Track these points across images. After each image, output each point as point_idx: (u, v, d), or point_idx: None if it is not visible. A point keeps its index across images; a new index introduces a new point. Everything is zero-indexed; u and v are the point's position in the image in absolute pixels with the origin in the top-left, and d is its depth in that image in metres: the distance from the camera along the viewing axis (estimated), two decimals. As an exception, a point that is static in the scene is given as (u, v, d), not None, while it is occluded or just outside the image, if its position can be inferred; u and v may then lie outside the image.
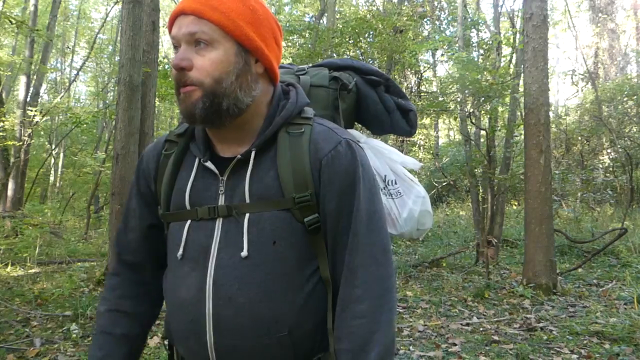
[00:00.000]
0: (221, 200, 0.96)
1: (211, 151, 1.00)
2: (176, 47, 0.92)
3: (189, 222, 0.97)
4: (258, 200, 0.93)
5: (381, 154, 1.30)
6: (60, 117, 14.05)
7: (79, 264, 7.00)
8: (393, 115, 1.28)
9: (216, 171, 0.97)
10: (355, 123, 1.32)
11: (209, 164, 0.97)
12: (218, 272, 0.92)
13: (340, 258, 0.95)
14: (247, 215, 0.93)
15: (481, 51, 11.52)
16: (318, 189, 0.94)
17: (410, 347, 3.65)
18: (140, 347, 1.11)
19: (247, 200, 0.93)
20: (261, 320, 0.91)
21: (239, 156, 0.95)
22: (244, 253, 0.91)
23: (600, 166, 12.42)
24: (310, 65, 1.26)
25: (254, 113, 0.97)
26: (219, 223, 0.95)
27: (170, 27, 0.94)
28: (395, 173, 1.32)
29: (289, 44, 10.59)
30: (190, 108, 0.91)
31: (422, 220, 1.31)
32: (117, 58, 12.31)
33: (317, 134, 0.96)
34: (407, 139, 12.98)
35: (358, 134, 1.25)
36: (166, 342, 1.10)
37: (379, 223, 0.97)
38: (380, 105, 1.27)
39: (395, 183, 1.30)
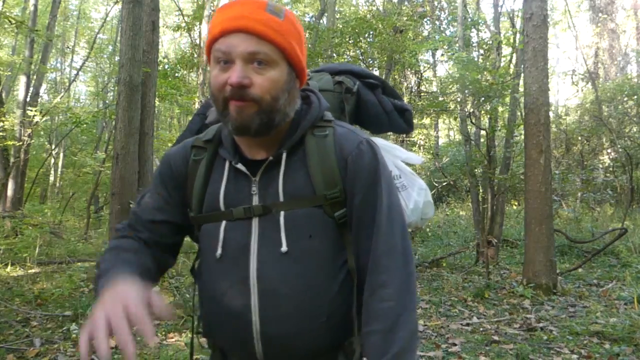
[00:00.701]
0: (255, 200, 1.02)
1: (240, 155, 1.06)
2: (225, 61, 0.95)
3: (224, 222, 1.03)
4: (291, 198, 1.01)
5: (386, 151, 1.35)
6: (60, 117, 14.05)
7: (79, 264, 7.00)
8: (391, 115, 1.37)
9: (248, 173, 1.03)
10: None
11: (240, 166, 1.03)
12: (260, 267, 0.99)
13: (364, 248, 1.02)
14: (283, 213, 1.00)
15: (481, 51, 11.52)
16: (345, 185, 1.02)
17: (410, 347, 3.65)
18: (153, 274, 1.10)
19: (281, 199, 1.01)
20: (303, 309, 0.99)
21: (270, 158, 1.02)
22: (284, 248, 0.98)
23: (600, 166, 12.42)
24: (311, 70, 1.33)
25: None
26: (255, 222, 1.02)
27: (216, 39, 0.96)
28: (399, 168, 1.40)
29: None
30: (246, 122, 0.96)
31: (425, 210, 1.41)
32: (117, 58, 12.32)
33: (340, 135, 1.05)
34: (407, 138, 12.98)
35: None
36: (202, 340, 1.17)
37: (398, 214, 1.05)
38: (379, 106, 1.36)
39: (400, 177, 1.39)
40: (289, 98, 1.00)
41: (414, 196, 1.38)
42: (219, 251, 1.02)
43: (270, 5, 0.96)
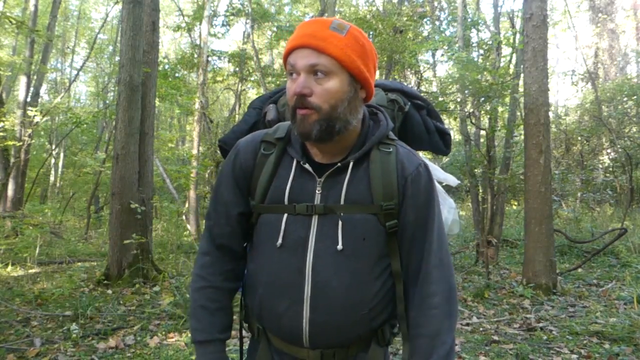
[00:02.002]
0: (317, 200, 1.13)
1: (307, 156, 1.17)
2: (291, 73, 1.09)
3: (285, 215, 1.13)
4: (351, 203, 1.11)
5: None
6: (60, 117, 14.05)
7: (79, 264, 7.01)
8: (432, 137, 1.49)
9: (314, 174, 1.14)
10: None
11: (307, 167, 1.14)
12: (316, 260, 1.10)
13: (415, 259, 1.15)
14: (342, 214, 1.11)
15: (481, 51, 11.53)
16: (401, 200, 1.14)
17: (410, 347, 3.65)
18: (231, 315, 1.26)
19: (342, 203, 1.11)
20: (350, 301, 1.10)
21: (338, 164, 1.13)
22: (340, 246, 1.09)
23: (600, 166, 12.42)
24: None
25: (351, 130, 1.14)
26: (315, 219, 1.12)
27: (288, 54, 1.10)
28: None
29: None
30: (308, 129, 1.07)
31: (452, 227, 1.53)
32: (117, 58, 12.32)
33: (402, 155, 1.17)
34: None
35: None
36: (245, 325, 1.27)
37: (443, 232, 1.18)
38: (422, 126, 1.48)
39: None
40: (349, 107, 1.10)
41: (445, 213, 1.48)
42: (280, 241, 1.12)
43: (334, 23, 1.09)
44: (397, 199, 1.13)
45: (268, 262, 1.15)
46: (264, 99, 1.48)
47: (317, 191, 1.13)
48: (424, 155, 1.56)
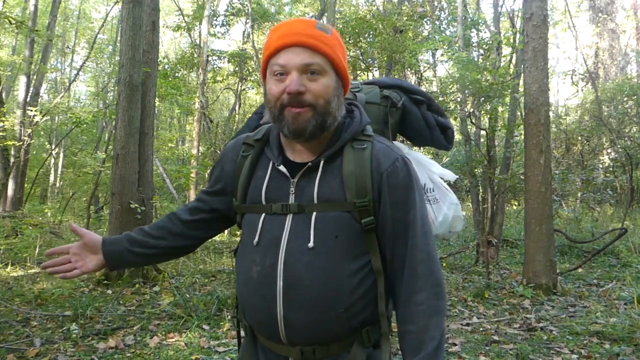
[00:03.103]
0: (291, 199, 1.14)
1: (283, 156, 1.19)
2: (281, 73, 1.09)
3: (263, 215, 1.16)
4: (324, 201, 1.12)
5: (422, 165, 1.46)
6: (60, 117, 14.05)
7: (79, 264, 6.99)
8: (433, 132, 1.47)
9: (288, 174, 1.15)
10: (399, 135, 1.52)
11: (282, 168, 1.16)
12: (288, 258, 1.11)
13: (399, 255, 1.14)
14: (314, 213, 1.11)
15: (481, 51, 11.53)
16: (376, 197, 1.13)
17: (410, 347, 3.65)
18: (149, 249, 1.31)
19: (315, 201, 1.12)
20: (323, 299, 1.09)
21: (309, 164, 1.14)
22: (311, 244, 1.10)
23: (600, 166, 12.43)
24: (362, 82, 1.45)
25: (331, 128, 1.15)
26: (289, 218, 1.13)
27: (273, 54, 1.10)
28: (433, 182, 1.49)
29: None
30: (302, 125, 1.09)
31: (454, 224, 1.49)
32: (117, 58, 12.31)
33: (378, 151, 1.16)
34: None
35: (402, 146, 1.40)
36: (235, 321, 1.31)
37: (428, 226, 1.17)
38: (422, 121, 1.46)
39: (433, 190, 1.47)
40: (338, 103, 1.13)
41: (444, 210, 1.46)
42: (256, 239, 1.15)
43: (319, 24, 1.12)
44: (371, 195, 1.11)
45: (246, 260, 1.18)
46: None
47: (291, 191, 1.15)
48: (422, 153, 1.54)
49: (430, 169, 1.50)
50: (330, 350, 1.13)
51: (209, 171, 9.85)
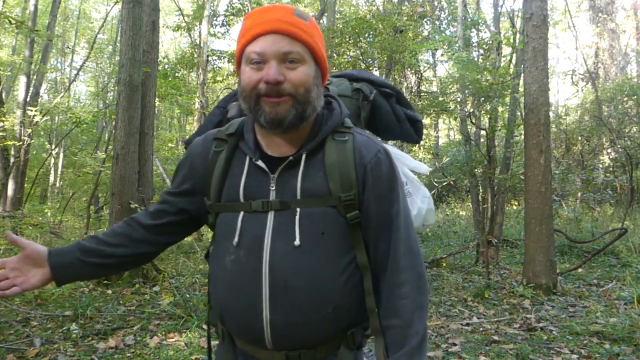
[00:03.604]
0: (272, 196, 1.08)
1: (260, 150, 1.13)
2: (258, 62, 1.03)
3: (242, 213, 1.09)
4: (308, 197, 1.07)
5: (395, 159, 1.45)
6: (60, 117, 14.05)
7: (79, 264, 6.99)
8: (403, 125, 1.45)
9: (267, 170, 1.10)
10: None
11: (260, 163, 1.10)
12: (273, 258, 1.05)
13: (382, 249, 1.10)
14: (299, 209, 1.06)
15: (481, 51, 11.53)
16: (361, 190, 1.09)
17: (410, 347, 3.64)
18: (104, 259, 1.22)
19: (299, 197, 1.07)
20: (311, 300, 1.04)
21: (291, 158, 1.09)
22: (297, 242, 1.04)
23: (600, 166, 12.42)
24: (331, 75, 1.41)
25: (310, 119, 1.11)
26: (271, 216, 1.07)
27: (249, 42, 1.04)
28: (405, 175, 1.46)
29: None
30: (281, 115, 1.03)
31: (427, 217, 1.48)
32: (117, 58, 12.31)
33: (360, 143, 1.11)
34: (407, 139, 12.96)
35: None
36: (206, 326, 1.24)
37: (410, 219, 1.14)
38: (392, 115, 1.43)
39: (406, 184, 1.45)
40: (317, 92, 1.08)
41: (418, 203, 1.45)
42: (236, 239, 1.08)
43: (297, 10, 1.06)
44: (356, 189, 1.08)
45: (226, 262, 1.11)
46: (229, 97, 1.43)
47: (271, 187, 1.09)
48: (393, 146, 1.54)
49: (403, 161, 1.48)
50: (317, 354, 1.09)
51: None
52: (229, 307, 1.11)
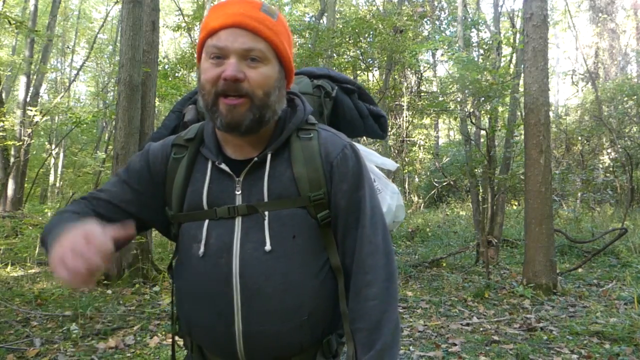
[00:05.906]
0: (239, 200, 1.03)
1: (223, 154, 1.07)
2: (218, 57, 0.97)
3: (207, 221, 1.03)
4: (276, 199, 1.02)
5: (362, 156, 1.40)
6: (60, 117, 14.05)
7: (79, 264, 6.98)
8: (366, 121, 1.40)
9: (232, 173, 1.04)
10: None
11: (224, 167, 1.04)
12: (244, 266, 0.99)
13: (350, 248, 1.05)
14: (267, 213, 1.01)
15: (481, 51, 11.53)
16: (330, 187, 1.05)
17: (410, 347, 3.65)
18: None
19: (266, 199, 1.02)
20: (286, 307, 1.00)
21: (255, 159, 1.03)
22: (268, 247, 0.99)
23: (600, 166, 12.42)
24: None
25: (273, 121, 1.05)
26: (238, 221, 1.02)
27: (210, 34, 0.99)
28: (373, 172, 1.43)
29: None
30: (238, 119, 0.97)
31: (397, 213, 1.46)
32: (117, 58, 12.31)
33: (325, 139, 1.07)
34: (408, 138, 12.98)
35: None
36: (178, 339, 1.16)
37: (380, 216, 1.08)
38: (355, 111, 1.39)
39: (375, 181, 1.41)
40: (279, 95, 1.03)
41: (388, 200, 1.43)
42: (202, 249, 1.02)
43: (265, 6, 1.00)
44: (325, 187, 1.03)
45: (192, 273, 1.04)
46: (184, 100, 1.37)
47: (237, 191, 1.03)
48: (363, 145, 1.51)
49: (369, 158, 1.44)
50: None
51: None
52: (197, 321, 1.05)
